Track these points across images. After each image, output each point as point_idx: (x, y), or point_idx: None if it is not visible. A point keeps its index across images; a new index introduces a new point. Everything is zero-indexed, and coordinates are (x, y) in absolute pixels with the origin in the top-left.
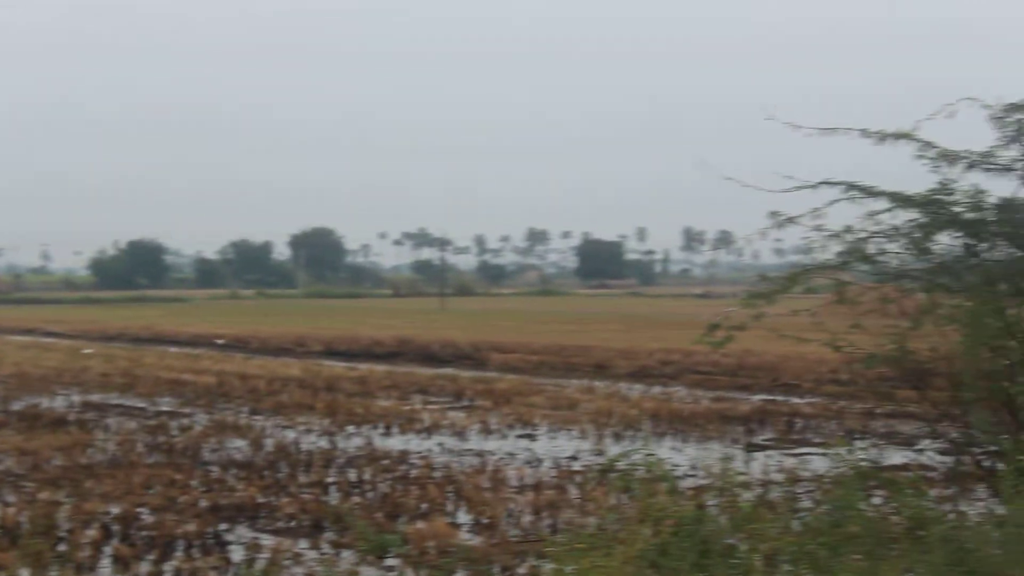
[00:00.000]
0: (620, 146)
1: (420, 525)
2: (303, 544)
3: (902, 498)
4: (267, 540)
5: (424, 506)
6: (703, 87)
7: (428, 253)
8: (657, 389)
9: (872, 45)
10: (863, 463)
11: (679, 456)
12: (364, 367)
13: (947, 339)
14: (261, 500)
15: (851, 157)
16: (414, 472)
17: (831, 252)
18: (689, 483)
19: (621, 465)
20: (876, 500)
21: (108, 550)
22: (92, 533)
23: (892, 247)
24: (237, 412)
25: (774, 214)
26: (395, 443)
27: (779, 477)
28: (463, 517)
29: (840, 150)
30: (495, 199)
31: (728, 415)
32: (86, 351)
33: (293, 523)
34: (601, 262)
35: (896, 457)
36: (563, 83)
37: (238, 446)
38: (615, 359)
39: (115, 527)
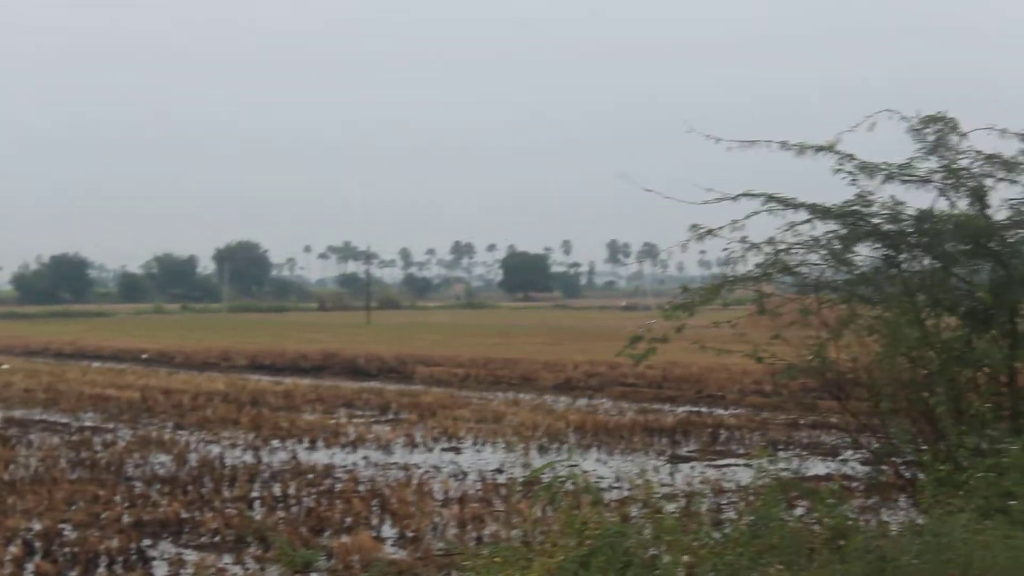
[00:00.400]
0: (547, 158)
1: (345, 539)
2: (227, 559)
3: (823, 508)
4: (191, 556)
5: (349, 520)
6: (641, 90)
7: (353, 267)
8: (583, 401)
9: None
10: (784, 474)
11: (604, 468)
12: (289, 381)
13: (867, 350)
14: (185, 515)
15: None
16: (339, 486)
17: (752, 263)
18: (614, 495)
19: (545, 477)
20: (798, 510)
21: (30, 567)
22: (14, 550)
23: (812, 258)
24: (161, 427)
25: (694, 226)
26: (320, 457)
27: (703, 488)
28: (388, 531)
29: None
30: (421, 212)
31: (653, 427)
32: (4, 367)
33: (217, 538)
34: (527, 275)
35: (819, 467)
36: (494, 94)
37: (162, 461)
38: (540, 372)
39: (37, 543)
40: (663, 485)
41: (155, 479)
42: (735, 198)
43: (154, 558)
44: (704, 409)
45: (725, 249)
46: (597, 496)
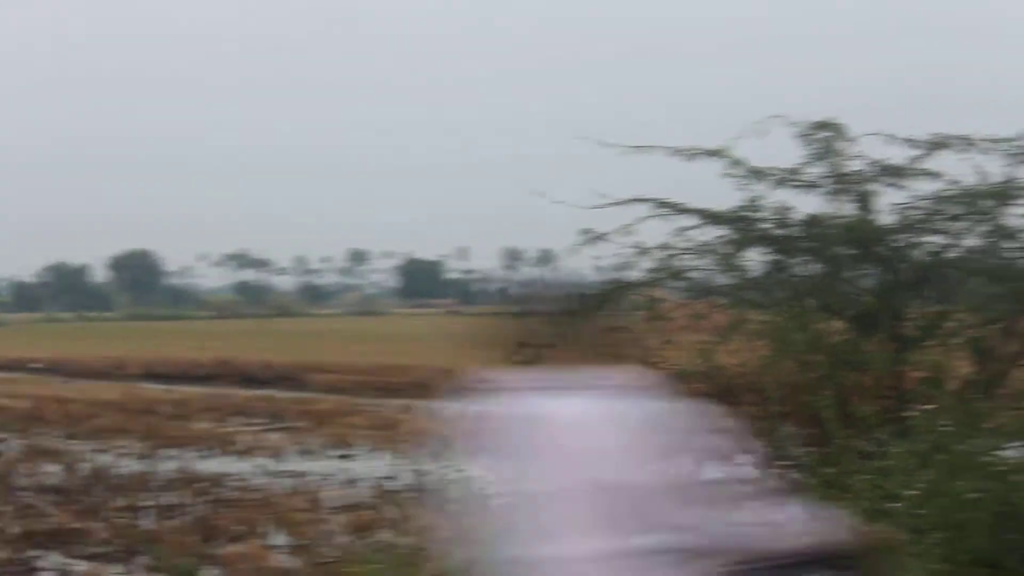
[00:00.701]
0: (440, 169)
1: (235, 548)
2: (116, 569)
3: None
4: (80, 566)
5: (240, 529)
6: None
7: (249, 275)
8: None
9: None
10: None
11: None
12: (183, 389)
13: (756, 354)
14: (75, 525)
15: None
16: (231, 494)
17: (643, 269)
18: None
19: (436, 483)
20: None
21: None
22: None
23: (702, 263)
24: (53, 437)
25: (584, 231)
26: (212, 466)
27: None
28: (279, 539)
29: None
30: (316, 220)
31: None
32: None
33: (107, 548)
34: (423, 282)
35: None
36: (396, 112)
37: (52, 471)
38: (435, 378)
39: None
40: None
41: (45, 489)
42: (625, 203)
43: (43, 569)
44: None
45: (616, 255)
46: (480, 500)
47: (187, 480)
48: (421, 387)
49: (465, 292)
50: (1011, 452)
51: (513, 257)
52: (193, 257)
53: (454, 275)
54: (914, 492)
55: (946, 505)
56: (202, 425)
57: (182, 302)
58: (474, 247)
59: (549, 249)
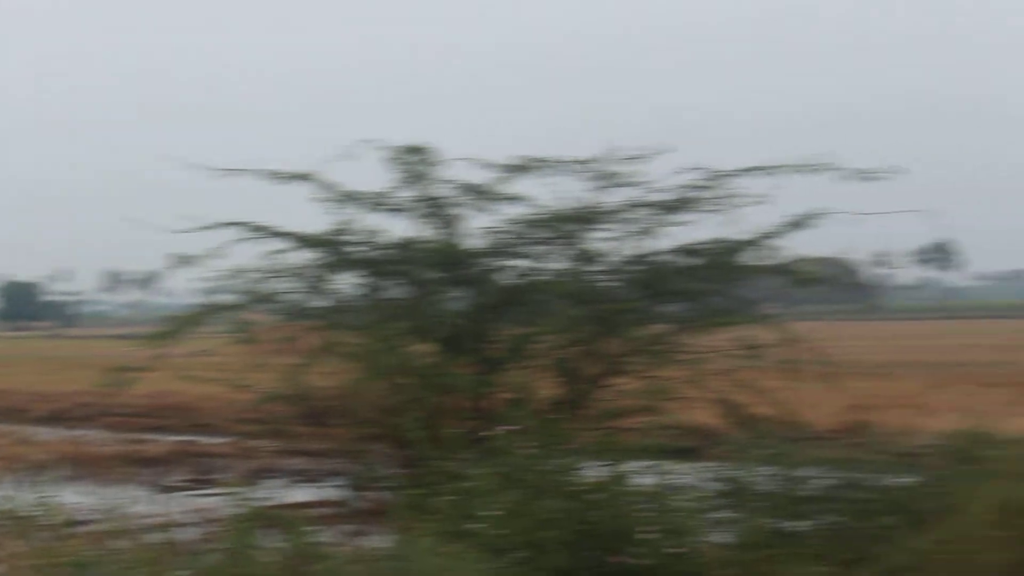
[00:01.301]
0: (40, 189)
1: None
2: None
3: (295, 535)
4: None
5: None
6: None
7: None
8: (73, 432)
9: None
10: (258, 502)
11: (89, 500)
12: None
13: (347, 376)
14: None
15: None
16: None
17: (235, 292)
18: (95, 527)
19: (19, 511)
20: (277, 538)
21: None
22: None
23: (293, 286)
24: None
25: (173, 255)
26: None
27: (189, 518)
28: None
29: None
30: None
31: (143, 457)
32: None
33: None
34: (21, 304)
35: (307, 494)
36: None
37: None
38: (30, 402)
39: None
40: (148, 516)
41: None
42: (217, 226)
43: None
44: (195, 438)
45: (206, 278)
46: (69, 527)
47: None
48: (14, 412)
49: (65, 314)
50: (590, 471)
51: (114, 279)
52: None
53: (54, 297)
54: (496, 513)
55: (527, 525)
56: None
57: None
58: (75, 269)
59: (151, 271)
